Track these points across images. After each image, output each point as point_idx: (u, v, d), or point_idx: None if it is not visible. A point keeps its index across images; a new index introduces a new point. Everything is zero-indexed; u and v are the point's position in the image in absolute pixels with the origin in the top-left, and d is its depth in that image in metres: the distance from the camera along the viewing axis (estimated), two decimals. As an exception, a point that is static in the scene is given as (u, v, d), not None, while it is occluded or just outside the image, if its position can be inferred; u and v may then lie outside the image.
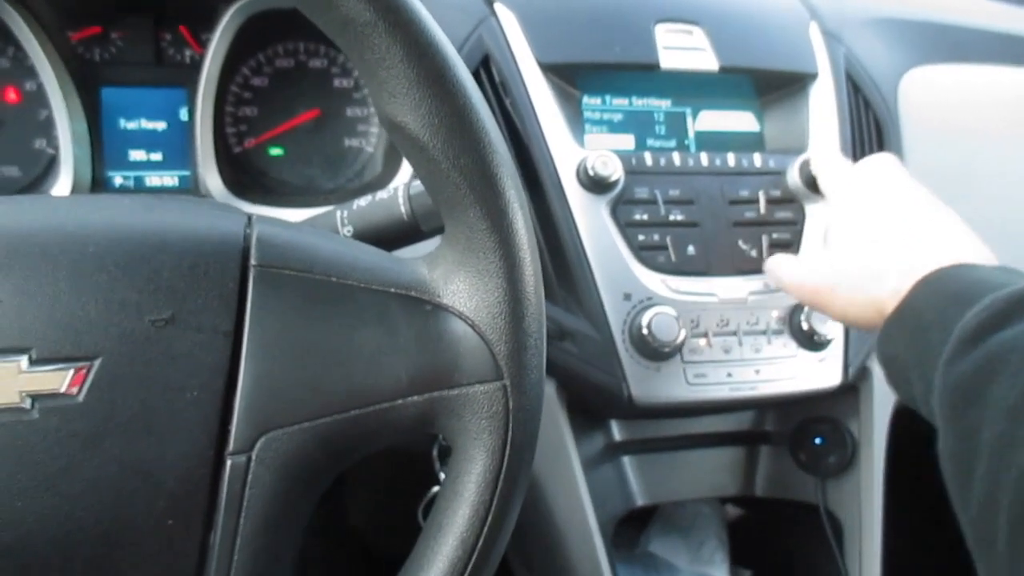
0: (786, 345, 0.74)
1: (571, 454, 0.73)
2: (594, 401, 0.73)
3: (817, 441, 0.82)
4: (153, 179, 0.77)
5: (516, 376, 0.41)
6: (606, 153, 0.72)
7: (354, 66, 0.40)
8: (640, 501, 0.83)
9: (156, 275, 0.38)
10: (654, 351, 0.70)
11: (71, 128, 0.71)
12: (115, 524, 0.37)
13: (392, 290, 0.41)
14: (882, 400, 0.80)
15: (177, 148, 0.77)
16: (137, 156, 0.76)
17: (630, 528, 0.88)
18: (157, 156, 0.77)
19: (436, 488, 0.55)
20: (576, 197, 0.72)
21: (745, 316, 0.73)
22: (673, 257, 0.73)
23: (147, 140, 0.76)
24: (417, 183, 0.54)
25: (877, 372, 0.79)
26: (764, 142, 0.83)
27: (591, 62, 0.78)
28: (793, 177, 0.77)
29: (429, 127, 0.39)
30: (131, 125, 0.76)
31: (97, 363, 0.37)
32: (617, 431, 0.83)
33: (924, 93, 0.89)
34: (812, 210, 0.77)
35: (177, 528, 0.38)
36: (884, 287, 0.57)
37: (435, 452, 0.56)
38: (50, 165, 0.75)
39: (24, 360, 0.36)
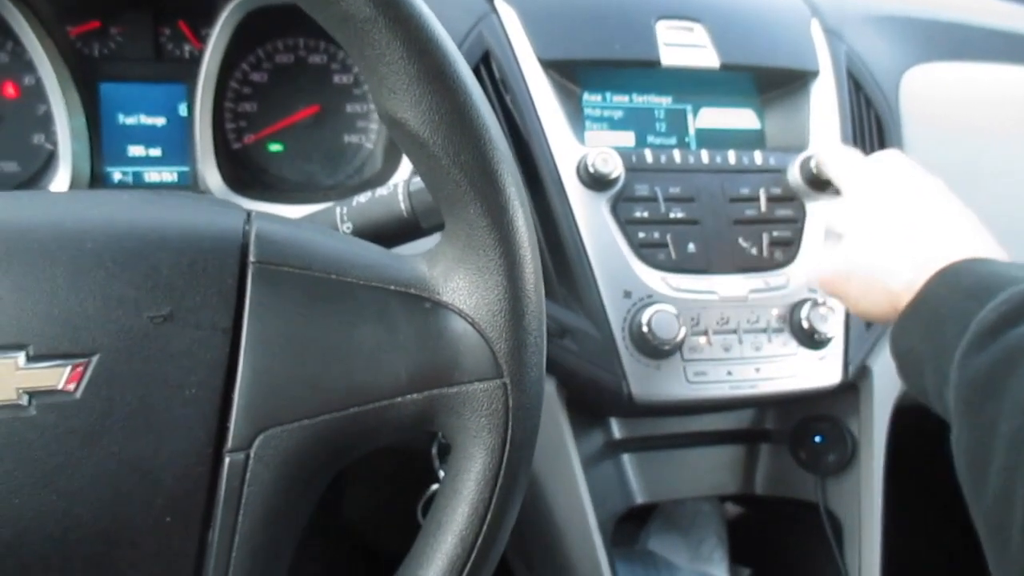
0: (786, 343, 0.74)
1: (571, 452, 0.73)
2: (594, 399, 0.73)
3: (817, 439, 0.82)
4: (152, 175, 0.76)
5: (516, 374, 0.41)
6: (606, 150, 0.72)
7: (354, 62, 0.40)
8: (640, 499, 0.83)
9: (155, 272, 0.38)
10: (654, 349, 0.69)
11: (70, 123, 0.71)
12: (113, 521, 0.37)
13: (391, 287, 0.41)
14: (882, 399, 0.80)
15: (176, 144, 0.76)
16: (136, 152, 0.76)
17: (629, 525, 0.88)
18: (156, 152, 0.76)
19: (435, 486, 0.55)
20: (576, 194, 0.72)
21: (745, 314, 0.73)
22: (673, 255, 0.73)
23: (146, 136, 0.76)
24: (417, 180, 0.54)
25: (877, 371, 0.79)
26: (765, 140, 0.83)
27: (592, 59, 0.78)
28: (794, 175, 0.77)
29: (429, 123, 0.39)
30: (130, 120, 0.76)
31: (95, 360, 0.36)
32: (617, 429, 0.82)
33: (926, 91, 0.88)
34: (813, 208, 0.77)
35: (175, 526, 0.38)
36: (898, 280, 0.57)
37: (434, 450, 0.56)
38: (49, 160, 0.74)
39: (21, 356, 0.36)
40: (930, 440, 0.51)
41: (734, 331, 0.73)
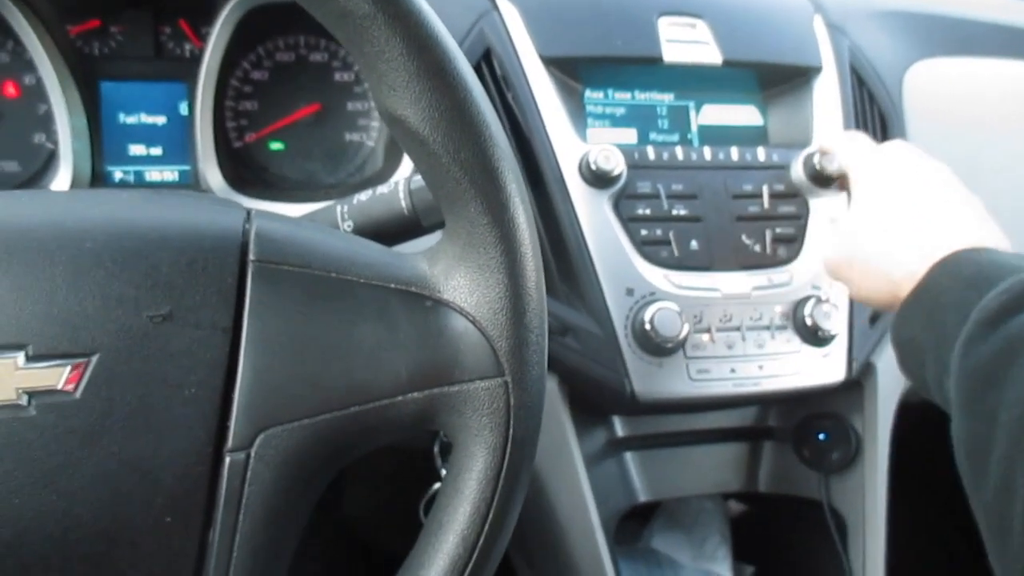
0: (790, 341, 0.74)
1: (573, 450, 0.73)
2: (596, 397, 0.73)
3: (820, 437, 0.82)
4: (153, 174, 0.76)
5: (517, 372, 0.41)
6: (608, 147, 0.71)
7: (354, 59, 0.40)
8: (643, 497, 0.83)
9: (154, 271, 0.38)
10: (656, 346, 0.69)
11: (70, 122, 0.71)
12: (113, 521, 0.37)
13: (392, 286, 0.41)
14: (886, 396, 0.80)
15: (177, 143, 0.76)
16: (137, 151, 0.76)
17: (632, 523, 0.88)
18: (157, 151, 0.76)
19: (437, 485, 0.55)
20: (578, 191, 0.72)
21: (748, 311, 0.73)
22: (676, 252, 0.73)
23: (147, 134, 0.76)
24: (418, 178, 0.53)
25: (881, 368, 0.78)
26: (768, 136, 0.83)
27: (593, 56, 0.77)
28: (797, 171, 0.77)
29: (429, 121, 0.39)
30: (131, 119, 0.76)
31: (94, 359, 0.36)
32: (619, 427, 0.82)
33: (929, 86, 0.88)
34: (816, 204, 0.77)
35: (176, 526, 0.38)
36: (899, 268, 0.57)
37: (436, 449, 0.55)
38: (49, 160, 0.74)
39: (21, 356, 0.36)
40: (934, 437, 0.51)
41: (737, 328, 0.73)
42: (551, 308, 0.68)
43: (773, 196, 0.76)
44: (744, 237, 0.75)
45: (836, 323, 0.73)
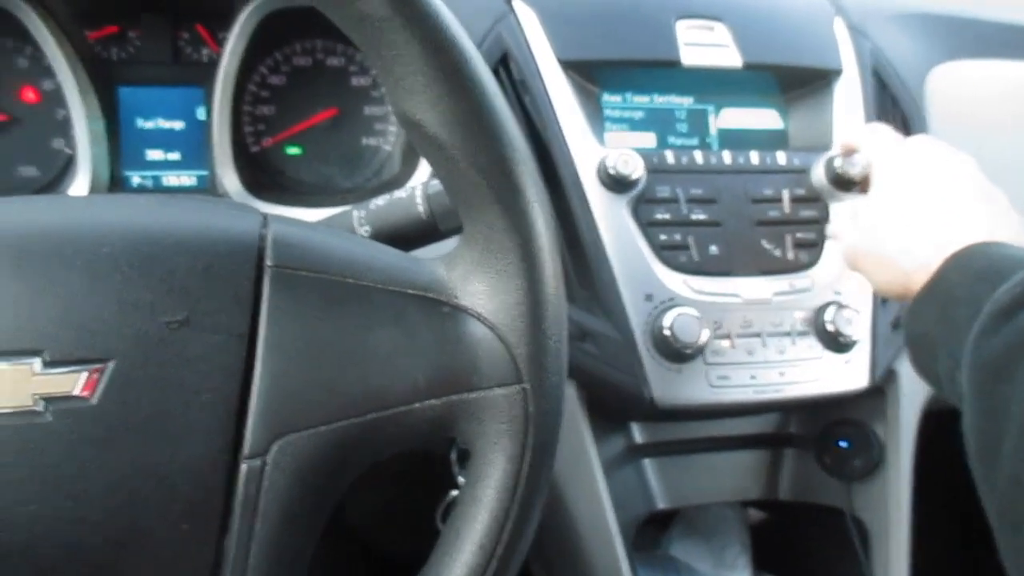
0: (811, 347, 0.73)
1: (591, 456, 0.72)
2: (615, 403, 0.72)
3: (842, 444, 0.81)
4: (170, 179, 0.76)
5: (536, 379, 0.40)
6: (627, 151, 0.71)
7: (371, 63, 0.40)
8: (661, 504, 0.82)
9: (170, 276, 0.37)
10: (676, 352, 0.69)
11: (89, 128, 0.71)
12: (129, 528, 0.37)
13: (409, 291, 0.40)
14: (909, 403, 0.78)
15: (194, 147, 0.76)
16: (154, 156, 0.76)
17: (651, 530, 0.87)
18: (175, 156, 0.76)
19: (454, 492, 0.55)
20: (596, 196, 0.71)
21: (769, 317, 0.72)
22: (695, 257, 0.72)
23: (164, 139, 0.76)
24: (435, 182, 0.53)
25: (904, 374, 0.77)
26: (788, 140, 0.82)
27: (611, 59, 0.77)
28: (818, 175, 0.76)
29: (447, 125, 0.38)
30: (148, 124, 0.76)
31: (111, 365, 0.36)
32: (638, 433, 0.81)
33: (952, 89, 0.87)
34: (837, 209, 0.76)
35: (192, 533, 0.37)
36: (912, 260, 0.57)
37: (453, 456, 0.55)
38: (68, 165, 0.75)
39: (37, 362, 0.36)
40: (958, 445, 0.50)
41: (757, 334, 0.72)
42: (569, 313, 0.67)
43: (794, 200, 0.75)
44: (764, 242, 0.74)
45: (858, 329, 0.72)
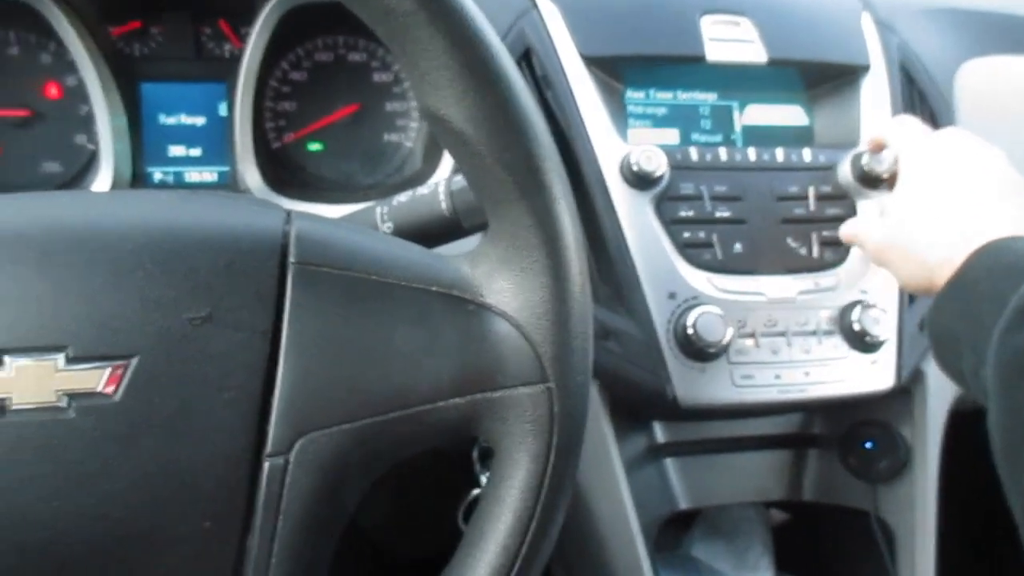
0: (837, 347, 0.72)
1: (613, 456, 0.71)
2: (637, 402, 0.72)
3: (868, 445, 0.80)
4: (192, 175, 0.76)
5: (562, 379, 0.40)
6: (651, 148, 0.70)
7: (395, 58, 0.39)
8: (683, 504, 0.81)
9: (193, 272, 0.37)
10: (699, 351, 0.68)
11: (111, 123, 0.71)
12: (151, 526, 0.37)
13: (433, 288, 0.40)
14: (936, 404, 0.77)
15: (216, 143, 0.76)
16: (177, 151, 0.76)
17: (671, 530, 0.86)
18: (196, 151, 0.76)
19: (476, 491, 0.54)
20: (619, 193, 0.71)
21: (794, 316, 0.71)
22: (719, 255, 0.71)
23: (186, 135, 0.76)
24: (458, 178, 0.53)
25: (931, 375, 0.76)
26: (814, 136, 0.81)
27: (635, 55, 0.76)
28: (844, 172, 0.75)
29: (473, 120, 0.38)
30: (171, 120, 0.76)
31: (134, 362, 0.36)
32: (660, 432, 0.81)
33: (981, 85, 0.85)
34: (863, 206, 0.75)
35: (214, 531, 0.37)
36: (935, 254, 0.57)
37: (476, 454, 0.55)
38: (91, 160, 0.75)
39: (61, 358, 0.36)
40: (985, 445, 0.49)
41: (782, 334, 0.71)
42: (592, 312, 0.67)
43: (819, 198, 0.74)
44: (789, 240, 0.73)
45: (885, 328, 0.71)
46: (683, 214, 0.71)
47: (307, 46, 0.78)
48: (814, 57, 0.80)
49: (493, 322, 0.40)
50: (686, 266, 0.70)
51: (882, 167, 0.72)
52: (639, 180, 0.70)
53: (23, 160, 0.74)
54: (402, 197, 0.54)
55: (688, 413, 0.70)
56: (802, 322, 0.71)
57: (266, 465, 0.37)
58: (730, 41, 0.77)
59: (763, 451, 0.84)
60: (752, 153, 0.75)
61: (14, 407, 0.35)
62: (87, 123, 0.74)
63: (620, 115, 0.76)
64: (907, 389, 0.76)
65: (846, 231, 0.71)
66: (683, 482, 0.81)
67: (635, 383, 0.69)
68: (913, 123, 0.67)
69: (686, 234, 0.71)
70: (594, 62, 0.74)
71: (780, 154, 0.75)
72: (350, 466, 0.39)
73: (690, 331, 0.67)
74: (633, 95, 0.78)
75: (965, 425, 0.75)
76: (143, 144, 0.75)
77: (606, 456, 0.71)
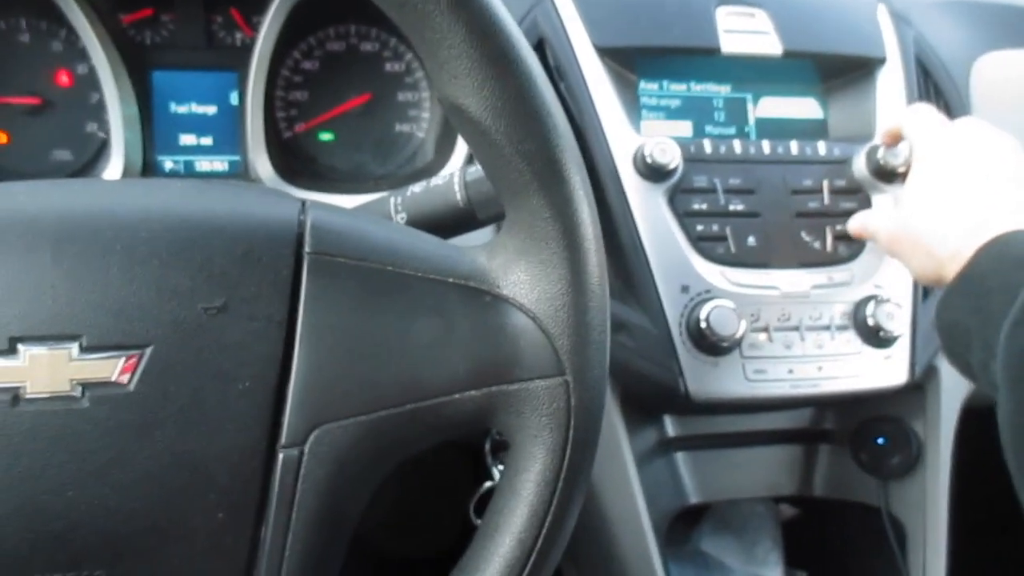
0: (850, 341, 0.71)
1: (624, 450, 0.71)
2: (649, 396, 0.71)
3: (879, 441, 0.79)
4: (203, 164, 0.76)
5: (579, 371, 0.39)
6: (665, 140, 0.70)
7: (413, 46, 0.39)
8: (694, 499, 0.81)
9: (208, 262, 0.37)
10: (712, 345, 0.67)
11: (122, 112, 0.71)
12: (165, 517, 0.36)
13: (450, 280, 0.40)
14: (949, 400, 0.77)
15: (227, 132, 0.76)
16: (187, 140, 0.76)
17: (680, 524, 0.86)
18: (207, 140, 0.76)
19: (488, 484, 0.54)
20: (632, 185, 0.70)
21: (808, 310, 0.71)
22: (733, 248, 0.71)
23: (197, 124, 0.76)
24: (473, 169, 0.52)
25: (945, 371, 0.76)
26: (828, 130, 0.80)
27: (649, 46, 0.76)
28: (859, 166, 0.74)
29: (492, 110, 0.38)
30: (181, 109, 0.76)
31: (148, 351, 0.36)
32: (670, 426, 0.80)
33: (998, 79, 0.85)
34: (878, 200, 0.74)
35: (228, 522, 0.37)
36: (945, 247, 0.56)
37: (488, 447, 0.54)
38: (101, 149, 0.74)
39: (75, 347, 0.35)
40: (998, 442, 0.49)
41: (796, 328, 0.70)
42: (605, 304, 0.67)
43: (834, 192, 0.74)
44: (803, 234, 0.72)
45: (899, 324, 0.70)
46: (696, 207, 0.71)
47: (319, 35, 0.78)
48: (829, 49, 0.79)
49: (510, 314, 0.40)
50: (699, 259, 0.70)
51: (897, 161, 0.71)
52: (653, 172, 0.70)
53: (33, 148, 0.74)
54: (416, 188, 0.54)
55: (700, 407, 0.70)
56: (816, 316, 0.71)
57: (280, 456, 0.37)
58: (745, 33, 0.76)
59: (774, 446, 0.83)
60: (766, 146, 0.74)
61: (28, 396, 0.35)
62: (98, 111, 0.74)
63: (633, 107, 0.75)
64: (920, 385, 0.76)
65: (854, 224, 0.71)
66: (694, 477, 0.81)
67: (647, 377, 0.69)
68: (928, 111, 0.67)
69: (699, 227, 0.71)
70: (608, 53, 0.73)
71: (794, 147, 0.75)
72: (365, 458, 0.38)
73: (703, 325, 0.67)
74: (647, 87, 0.77)
75: (978, 421, 0.75)
76: (154, 133, 0.75)
77: (617, 450, 0.71)
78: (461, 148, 0.74)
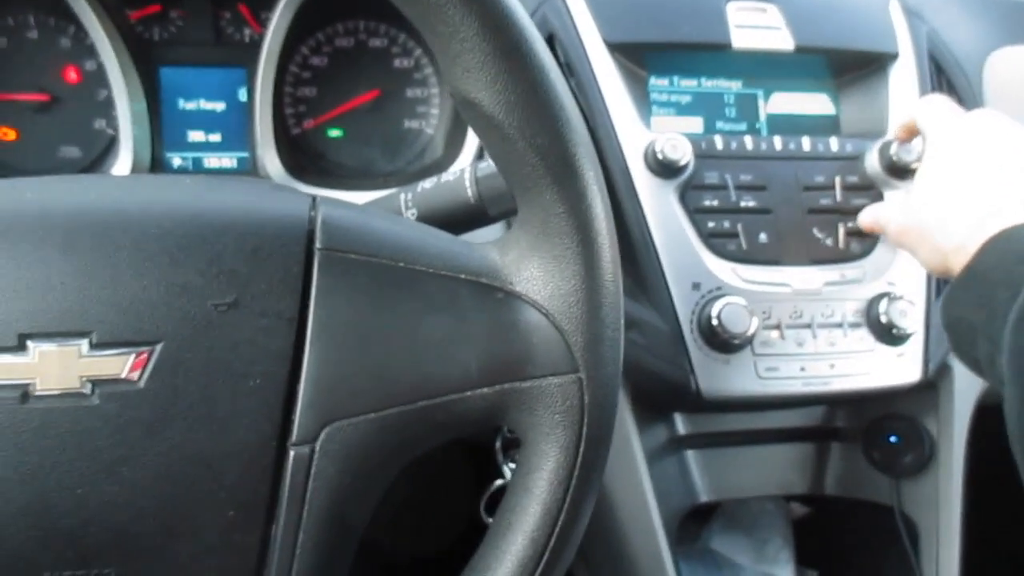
0: (863, 339, 0.71)
1: (635, 448, 0.71)
2: (659, 393, 0.71)
3: (892, 439, 0.79)
4: (211, 160, 0.76)
5: (592, 369, 0.39)
6: (675, 136, 0.69)
7: (425, 40, 0.38)
8: (704, 497, 0.80)
9: (219, 258, 0.36)
10: (724, 343, 0.67)
11: (131, 108, 0.71)
12: (175, 514, 0.36)
13: (462, 276, 0.39)
14: (962, 398, 0.76)
15: (236, 129, 0.76)
16: (196, 137, 0.76)
17: (690, 523, 0.85)
18: (216, 137, 0.76)
19: (499, 482, 0.54)
20: (643, 182, 0.70)
21: (820, 308, 0.70)
22: (744, 245, 0.70)
23: (206, 121, 0.76)
24: (484, 165, 0.52)
25: (958, 369, 0.75)
26: (840, 126, 0.80)
27: (660, 41, 0.75)
28: (872, 162, 0.73)
29: (504, 104, 0.37)
30: (190, 106, 0.75)
31: (159, 348, 0.35)
32: (681, 424, 0.80)
33: (1010, 74, 0.84)
34: (891, 197, 0.74)
35: (238, 520, 0.37)
36: (951, 239, 0.56)
37: (498, 444, 0.54)
38: (110, 145, 0.74)
39: (85, 344, 0.35)
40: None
41: (808, 325, 0.70)
42: (617, 301, 0.66)
43: (846, 188, 0.73)
44: (815, 230, 0.72)
45: (912, 321, 0.70)
46: (708, 203, 0.70)
47: (327, 31, 0.77)
48: (841, 45, 0.78)
49: (523, 310, 0.39)
50: (710, 256, 0.69)
51: (910, 157, 0.71)
52: (664, 169, 0.69)
53: (41, 145, 0.74)
54: (426, 183, 0.53)
55: (711, 405, 0.70)
56: (828, 314, 0.70)
57: (291, 454, 0.37)
58: (756, 28, 0.76)
59: (785, 444, 0.83)
60: (778, 142, 0.74)
61: (37, 393, 0.35)
62: (106, 108, 0.74)
63: (644, 103, 0.75)
64: (933, 383, 0.75)
65: (865, 217, 0.70)
66: (704, 475, 0.80)
67: (658, 374, 0.68)
68: (942, 102, 0.66)
69: (711, 224, 0.70)
70: (618, 48, 0.73)
71: (806, 143, 0.74)
72: (376, 455, 0.38)
73: (714, 322, 0.67)
74: (657, 82, 0.77)
75: (991, 420, 0.74)
76: (162, 129, 0.74)
77: (628, 448, 0.71)
78: (470, 144, 0.74)
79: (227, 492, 0.36)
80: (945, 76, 0.80)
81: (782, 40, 0.76)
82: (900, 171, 0.72)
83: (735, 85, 0.79)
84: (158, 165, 0.74)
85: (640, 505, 0.71)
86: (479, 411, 0.39)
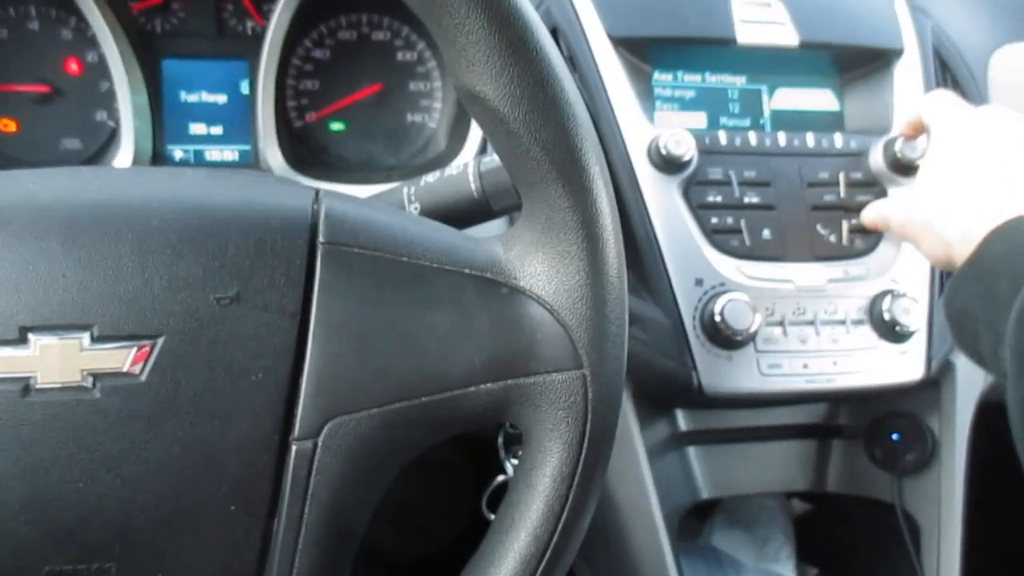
0: (866, 336, 0.70)
1: (636, 444, 0.71)
2: (662, 390, 0.71)
3: (894, 437, 0.78)
4: (213, 153, 0.75)
5: (596, 365, 0.39)
6: (679, 131, 0.69)
7: (430, 32, 0.38)
8: (705, 494, 0.80)
9: (221, 251, 0.36)
10: (726, 339, 0.67)
11: (132, 100, 0.70)
12: (177, 509, 0.36)
13: (466, 271, 0.39)
14: (965, 395, 0.76)
15: (238, 122, 0.75)
16: (197, 130, 0.75)
17: (691, 519, 0.85)
18: (217, 130, 0.75)
19: (501, 477, 0.54)
20: (646, 177, 0.69)
21: (823, 305, 0.70)
22: (747, 241, 0.70)
23: (208, 113, 0.75)
24: (487, 159, 0.51)
25: (961, 366, 0.75)
26: (844, 122, 0.79)
27: (664, 36, 0.75)
28: (876, 159, 0.73)
29: (510, 98, 0.37)
30: (192, 98, 0.75)
31: (160, 341, 0.35)
32: (683, 421, 0.80)
33: (1016, 70, 0.84)
34: (895, 193, 0.73)
35: (240, 515, 0.37)
36: (953, 230, 0.56)
37: (501, 440, 0.54)
38: (111, 138, 0.74)
39: (86, 337, 0.35)
40: (1012, 438, 0.48)
41: (811, 322, 0.70)
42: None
43: (850, 185, 0.73)
44: (819, 227, 0.72)
45: (915, 319, 0.70)
46: (711, 199, 0.70)
47: (330, 24, 0.77)
48: (846, 41, 0.78)
49: (527, 306, 0.39)
50: (714, 252, 0.69)
51: (915, 154, 0.71)
52: (667, 164, 0.69)
53: (42, 136, 0.74)
54: (430, 178, 0.53)
55: (714, 401, 0.69)
56: (831, 311, 0.70)
57: (294, 449, 0.36)
58: (761, 23, 0.75)
59: (787, 441, 0.82)
60: (782, 138, 0.73)
61: (38, 386, 0.34)
62: (107, 100, 0.73)
63: (647, 98, 0.75)
64: (935, 380, 0.75)
65: (868, 214, 0.70)
66: (706, 472, 0.80)
67: (660, 370, 0.68)
68: (948, 96, 0.66)
69: (714, 220, 0.70)
70: (622, 43, 0.73)
71: (810, 139, 0.74)
72: (379, 451, 0.38)
73: (717, 318, 0.66)
74: (661, 77, 0.76)
75: (993, 417, 0.74)
76: (163, 121, 0.74)
77: (629, 444, 0.70)
78: (473, 138, 0.73)
79: (229, 487, 0.36)
80: (950, 72, 0.80)
81: (787, 36, 0.76)
82: (904, 168, 0.72)
83: (739, 80, 0.79)
84: (159, 158, 0.74)
85: (642, 501, 0.71)
86: (482, 407, 0.39)
